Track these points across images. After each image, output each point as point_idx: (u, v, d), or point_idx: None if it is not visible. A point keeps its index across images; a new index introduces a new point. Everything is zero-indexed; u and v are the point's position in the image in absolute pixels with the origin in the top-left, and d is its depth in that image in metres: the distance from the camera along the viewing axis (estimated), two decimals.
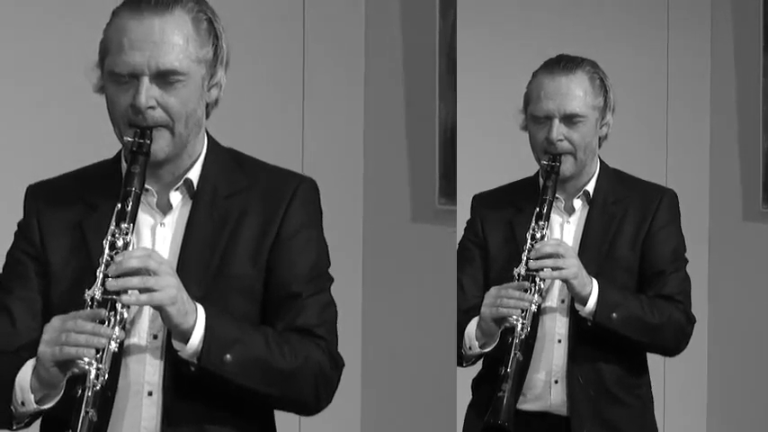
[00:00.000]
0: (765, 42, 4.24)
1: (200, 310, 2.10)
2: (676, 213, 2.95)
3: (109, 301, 2.03)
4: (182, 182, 2.21)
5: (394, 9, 3.86)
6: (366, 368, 3.86)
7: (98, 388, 2.01)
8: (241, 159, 2.29)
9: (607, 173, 2.93)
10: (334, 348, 2.25)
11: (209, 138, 2.27)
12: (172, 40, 2.11)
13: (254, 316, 2.21)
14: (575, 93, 2.82)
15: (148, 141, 2.11)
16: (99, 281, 2.05)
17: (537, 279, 2.73)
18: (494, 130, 3.61)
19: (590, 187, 2.91)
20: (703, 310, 4.18)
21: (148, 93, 2.10)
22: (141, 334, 2.17)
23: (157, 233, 2.20)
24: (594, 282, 2.79)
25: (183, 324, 2.08)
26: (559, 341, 2.86)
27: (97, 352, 2.01)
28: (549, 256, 2.74)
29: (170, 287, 2.07)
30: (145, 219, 2.20)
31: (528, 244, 2.75)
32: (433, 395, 3.75)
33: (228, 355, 2.10)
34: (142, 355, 2.16)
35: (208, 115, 2.24)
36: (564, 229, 2.91)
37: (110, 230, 2.08)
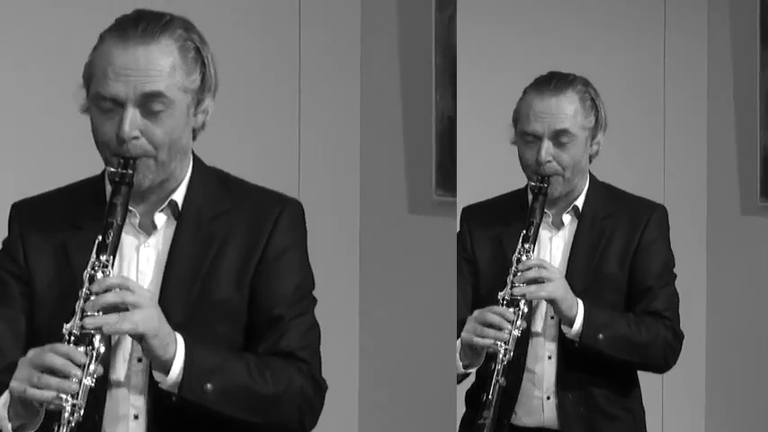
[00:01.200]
0: (763, 38, 4.23)
1: (180, 340, 2.09)
2: (665, 228, 2.94)
3: (87, 335, 2.01)
4: (166, 203, 2.21)
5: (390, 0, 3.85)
6: (363, 361, 3.86)
7: (74, 424, 1.99)
8: (226, 180, 2.29)
9: (597, 188, 2.92)
10: (317, 372, 2.25)
11: (195, 158, 2.26)
12: (157, 68, 2.11)
13: (238, 340, 2.21)
14: (564, 113, 2.80)
15: (131, 172, 2.10)
16: (78, 315, 2.02)
17: (521, 304, 2.70)
18: (493, 121, 3.60)
19: (579, 202, 2.90)
20: (701, 306, 4.18)
21: (132, 122, 2.10)
22: (125, 356, 2.16)
23: (141, 254, 2.20)
24: (580, 303, 2.77)
25: (164, 356, 2.07)
26: (549, 357, 2.86)
27: None
28: (534, 281, 2.72)
29: (152, 319, 2.05)
30: (129, 240, 2.19)
31: (513, 267, 2.73)
32: (432, 390, 3.74)
33: (209, 385, 2.09)
34: (127, 378, 2.16)
35: (194, 138, 2.23)
36: (552, 243, 2.89)
37: (90, 263, 2.06)
